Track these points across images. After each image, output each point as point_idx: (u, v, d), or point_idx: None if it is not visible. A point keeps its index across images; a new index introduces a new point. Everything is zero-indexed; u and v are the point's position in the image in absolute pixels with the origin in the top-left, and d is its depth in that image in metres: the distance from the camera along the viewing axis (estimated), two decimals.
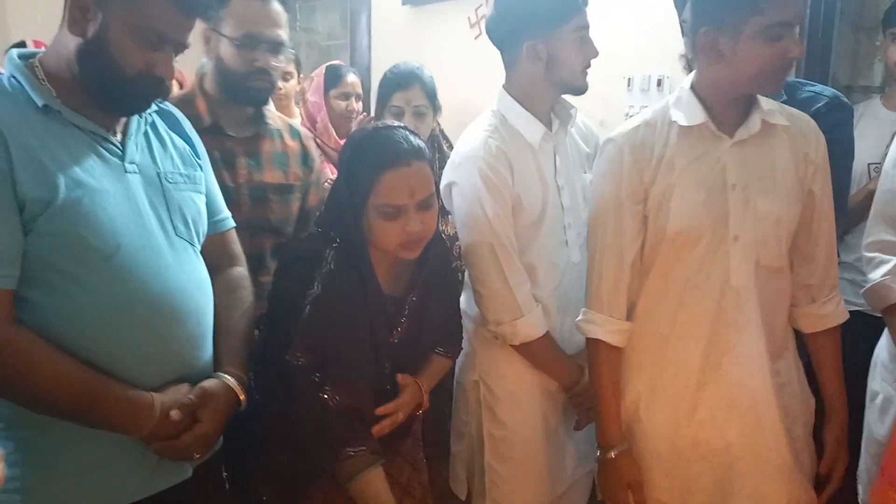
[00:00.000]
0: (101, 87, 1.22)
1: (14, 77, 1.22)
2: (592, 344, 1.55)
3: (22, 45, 3.37)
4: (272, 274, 1.59)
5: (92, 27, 1.20)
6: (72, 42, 1.21)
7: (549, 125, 1.77)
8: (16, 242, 1.14)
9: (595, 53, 1.70)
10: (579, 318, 1.58)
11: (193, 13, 1.26)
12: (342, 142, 2.64)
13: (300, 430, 1.43)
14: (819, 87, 1.85)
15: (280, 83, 2.67)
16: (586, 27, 1.68)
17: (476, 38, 3.16)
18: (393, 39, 3.62)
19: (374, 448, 1.44)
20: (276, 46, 1.69)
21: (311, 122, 2.72)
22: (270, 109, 1.86)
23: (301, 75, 2.99)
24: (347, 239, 1.42)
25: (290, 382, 1.40)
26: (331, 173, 2.59)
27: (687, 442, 1.49)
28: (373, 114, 2.30)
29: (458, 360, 1.81)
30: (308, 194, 1.87)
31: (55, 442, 1.20)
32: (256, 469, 1.53)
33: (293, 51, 1.91)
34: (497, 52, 3.10)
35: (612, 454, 1.52)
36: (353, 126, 2.73)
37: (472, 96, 3.22)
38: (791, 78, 1.88)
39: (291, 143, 1.84)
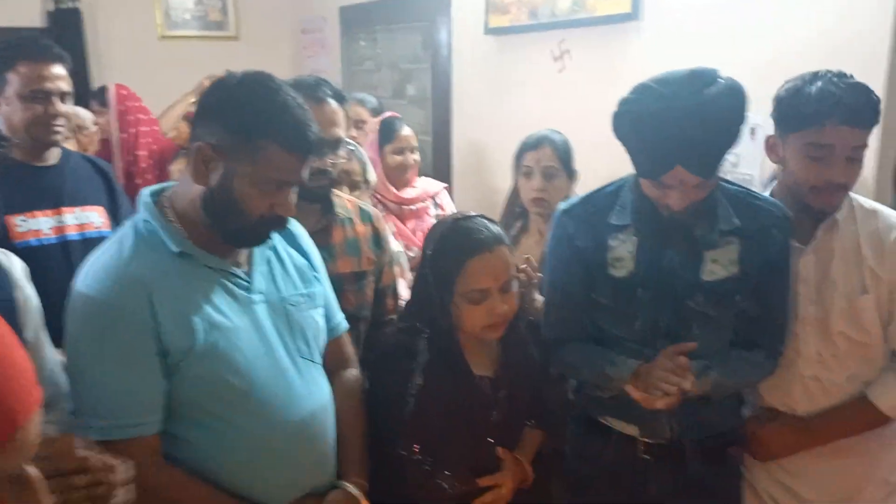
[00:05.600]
0: (226, 229, 1.30)
1: (148, 221, 1.31)
2: None
3: (103, 90, 3.52)
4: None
5: (214, 177, 1.27)
6: (197, 189, 1.29)
7: None
8: (159, 390, 1.26)
9: (822, 180, 1.53)
10: None
11: (308, 156, 1.31)
12: (401, 193, 2.68)
13: None
14: None
15: (354, 132, 2.73)
16: (823, 146, 1.51)
17: (560, 71, 3.13)
18: (475, 67, 3.58)
19: None
20: (333, 145, 1.70)
21: None
22: (342, 196, 1.87)
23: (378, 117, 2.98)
24: (437, 328, 1.51)
25: (402, 473, 1.49)
26: (394, 226, 2.60)
27: None
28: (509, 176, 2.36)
29: None
30: (382, 275, 1.88)
31: None
32: None
33: (352, 144, 1.95)
34: (581, 88, 3.09)
35: None
36: (410, 177, 2.75)
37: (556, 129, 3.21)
38: None
39: (362, 228, 1.84)
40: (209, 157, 1.26)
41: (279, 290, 1.41)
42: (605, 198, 1.63)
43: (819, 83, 1.51)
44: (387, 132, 2.71)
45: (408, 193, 2.70)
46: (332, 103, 1.70)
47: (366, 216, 1.87)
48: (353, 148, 2.33)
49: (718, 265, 1.54)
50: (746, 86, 1.49)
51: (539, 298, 1.90)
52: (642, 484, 1.65)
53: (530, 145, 2.19)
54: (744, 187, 1.63)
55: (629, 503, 1.67)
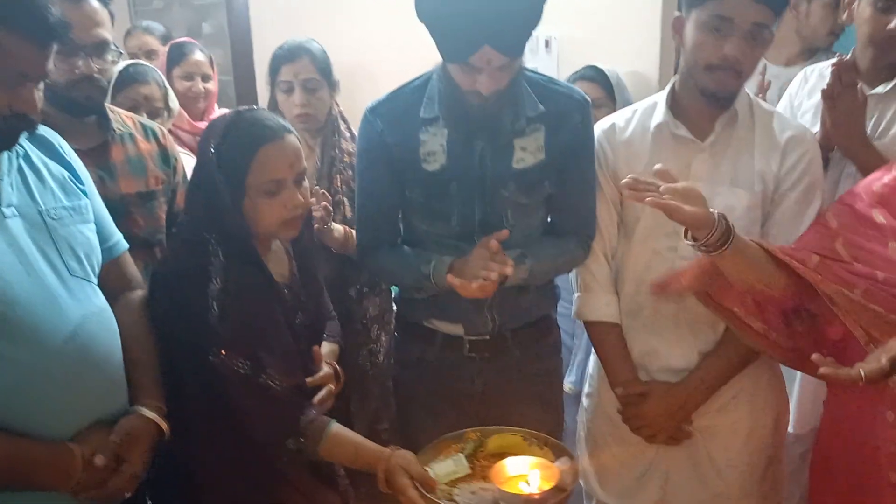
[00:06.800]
0: None
1: None
2: None
3: None
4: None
5: None
6: None
7: None
8: None
9: (718, 56, 1.44)
10: None
11: (49, 43, 1.17)
12: (199, 124, 2.45)
13: (248, 425, 1.40)
14: None
15: (147, 63, 2.41)
16: (723, 18, 1.42)
17: None
18: None
19: (322, 412, 1.47)
20: (98, 48, 1.54)
21: None
22: (119, 112, 1.70)
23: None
24: (227, 232, 1.38)
25: (219, 384, 1.36)
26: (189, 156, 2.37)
27: None
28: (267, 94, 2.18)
29: None
30: (176, 195, 1.74)
31: None
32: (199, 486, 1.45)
33: (122, 51, 1.74)
34: (389, 12, 3.02)
35: None
36: (207, 107, 2.55)
37: (362, 58, 3.13)
38: None
39: (146, 145, 1.70)
40: None
41: (36, 203, 1.26)
42: (412, 92, 1.59)
43: None
44: (175, 56, 2.49)
45: (204, 125, 2.50)
46: (93, 2, 1.53)
47: (149, 132, 1.73)
48: (150, 71, 2.16)
49: (527, 152, 1.55)
50: None
51: (336, 227, 1.88)
52: (469, 381, 1.67)
53: (285, 57, 2.00)
54: (544, 75, 1.64)
55: (457, 402, 1.68)
